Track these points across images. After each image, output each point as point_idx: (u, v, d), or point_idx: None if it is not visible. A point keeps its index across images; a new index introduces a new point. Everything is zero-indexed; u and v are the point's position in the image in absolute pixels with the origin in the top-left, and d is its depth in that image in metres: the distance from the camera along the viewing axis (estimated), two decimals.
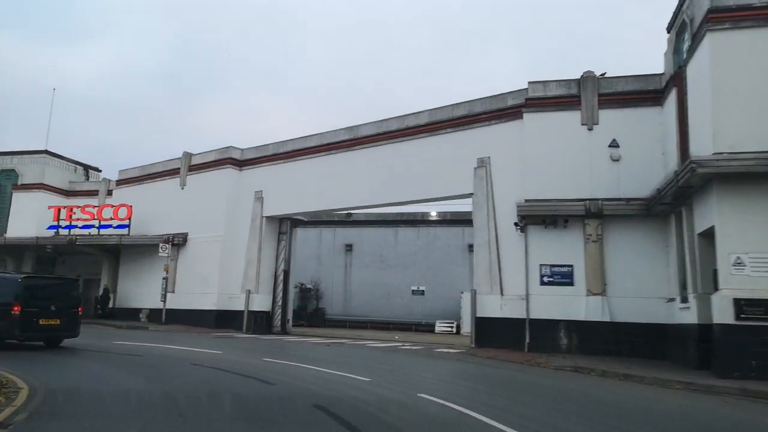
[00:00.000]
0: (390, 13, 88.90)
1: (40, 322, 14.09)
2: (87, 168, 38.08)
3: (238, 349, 16.79)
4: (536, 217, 18.18)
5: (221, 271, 26.69)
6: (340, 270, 43.08)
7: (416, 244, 41.87)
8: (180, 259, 28.38)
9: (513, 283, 18.89)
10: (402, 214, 42.32)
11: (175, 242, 27.96)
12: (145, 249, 29.33)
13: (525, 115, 19.31)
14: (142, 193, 31.15)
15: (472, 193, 20.50)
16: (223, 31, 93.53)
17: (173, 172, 29.93)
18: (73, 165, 37.09)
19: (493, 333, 18.88)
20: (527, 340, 17.86)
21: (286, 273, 27.03)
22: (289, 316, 27.15)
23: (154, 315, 28.25)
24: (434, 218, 41.62)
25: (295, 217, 27.62)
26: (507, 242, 19.30)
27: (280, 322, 26.43)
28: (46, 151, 35.11)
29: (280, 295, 26.68)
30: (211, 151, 28.65)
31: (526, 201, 18.36)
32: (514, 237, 19.01)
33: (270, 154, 27.12)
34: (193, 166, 29.16)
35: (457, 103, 21.67)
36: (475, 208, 20.30)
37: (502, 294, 19.03)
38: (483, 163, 20.32)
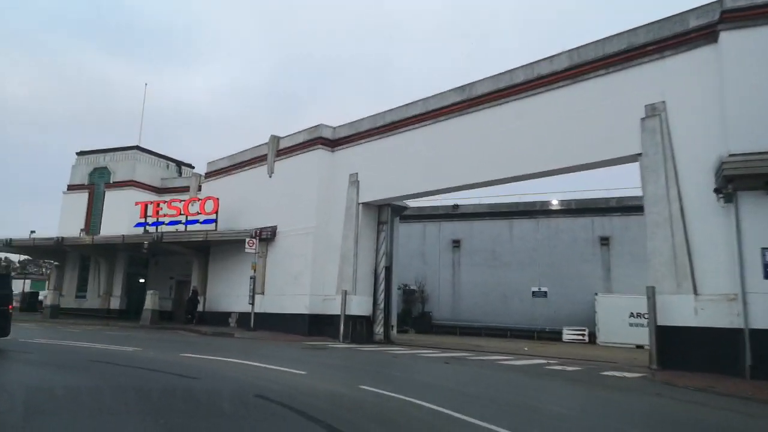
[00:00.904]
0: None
1: None
2: (179, 164, 36.41)
3: (329, 369, 12.53)
4: (752, 178, 12.23)
5: (314, 268, 22.88)
6: (447, 269, 38.22)
7: (535, 238, 36.01)
8: (269, 256, 25.00)
9: (713, 276, 13.06)
10: (517, 204, 36.73)
11: (263, 237, 24.61)
12: (233, 246, 26.33)
13: (722, 35, 13.43)
14: (230, 184, 28.34)
15: (639, 154, 14.84)
16: (320, 48, 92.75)
17: (261, 159, 26.74)
18: (165, 161, 35.50)
19: (685, 349, 13.12)
20: (748, 362, 11.93)
21: (388, 270, 22.64)
22: (393, 321, 22.73)
23: (244, 319, 25.08)
24: (556, 207, 35.58)
25: (395, 203, 23.20)
26: (699, 218, 13.48)
27: (382, 329, 22.06)
28: (137, 147, 33.68)
29: (382, 296, 22.34)
30: (299, 131, 25.04)
31: (732, 156, 12.47)
32: (712, 210, 13.17)
33: (365, 129, 22.93)
34: (281, 150, 25.74)
35: (608, 37, 16.09)
36: (645, 174, 14.60)
37: (695, 293, 13.22)
38: (654, 112, 14.60)
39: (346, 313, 21.44)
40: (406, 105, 21.57)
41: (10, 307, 14.04)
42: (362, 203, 22.48)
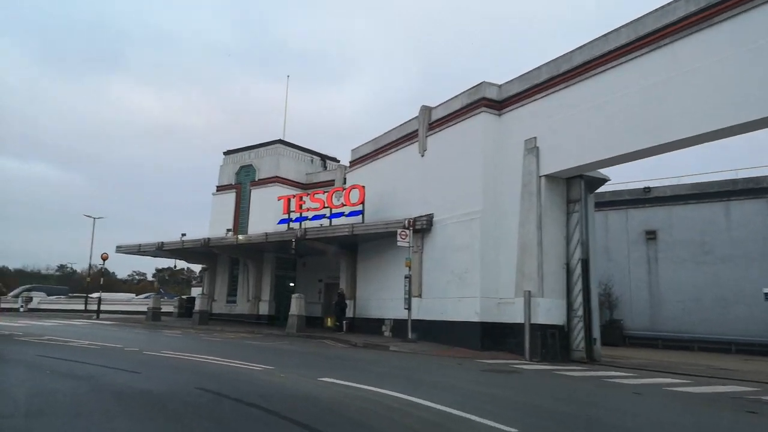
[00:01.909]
0: None
1: None
2: (324, 158, 33.82)
3: (553, 422, 7.43)
4: None
5: (484, 264, 17.88)
6: (639, 267, 30.70)
7: (765, 224, 27.32)
8: (426, 251, 20.54)
9: None
10: (735, 180, 28.33)
11: (418, 227, 20.24)
12: (383, 240, 22.42)
13: None
14: (377, 171, 24.54)
15: None
16: (461, 57, 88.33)
17: (410, 137, 22.49)
18: (309, 155, 33.08)
19: None
20: None
21: (585, 264, 16.81)
22: (596, 333, 16.77)
23: (399, 327, 20.95)
24: None
25: (589, 173, 17.34)
26: None
27: (583, 343, 16.27)
28: (280, 141, 31.61)
29: (579, 299, 16.57)
30: (456, 96, 20.28)
31: None
32: None
33: (544, 80, 17.44)
34: (434, 123, 21.21)
35: None
36: None
37: None
38: None
39: (532, 321, 16.08)
40: (605, 36, 15.69)
41: None
42: (545, 176, 16.99)
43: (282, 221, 25.78)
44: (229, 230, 29.81)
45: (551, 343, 15.98)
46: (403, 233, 19.82)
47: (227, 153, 33.56)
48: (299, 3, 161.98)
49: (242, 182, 32.11)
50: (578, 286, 16.67)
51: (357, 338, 20.36)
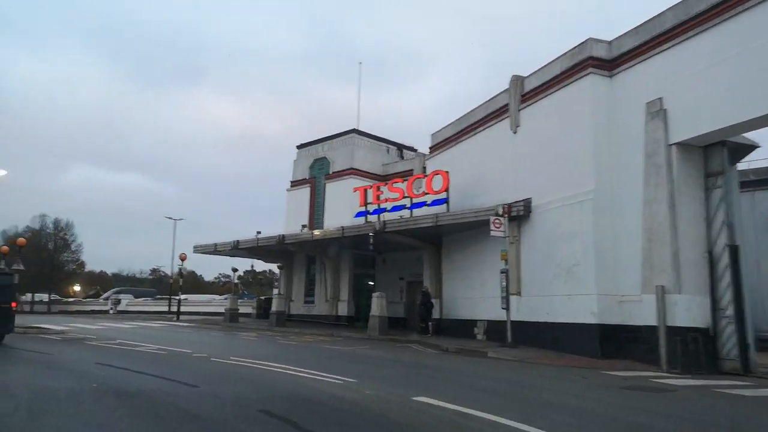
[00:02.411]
0: None
1: None
2: (400, 147, 31.69)
3: None
4: None
5: (598, 254, 14.91)
6: None
7: None
8: (524, 241, 17.80)
9: None
10: None
11: (513, 214, 17.53)
12: (471, 232, 19.90)
13: None
14: (461, 154, 22.01)
15: None
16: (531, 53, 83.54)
17: (499, 113, 19.78)
18: (385, 145, 31.07)
19: None
20: None
21: (734, 251, 13.43)
22: (749, 337, 13.36)
23: (494, 330, 18.37)
24: None
25: (733, 140, 13.93)
26: None
27: (735, 350, 12.94)
28: (354, 131, 29.79)
29: (727, 295, 13.24)
30: (554, 60, 17.35)
31: None
32: None
33: (669, 28, 14.22)
34: (527, 94, 18.40)
35: None
36: None
37: None
38: None
39: (668, 323, 12.98)
40: None
41: (14, 304, 14.49)
42: (676, 144, 13.78)
43: (359, 214, 23.85)
44: (304, 226, 28.36)
45: (693, 349, 12.80)
46: (496, 221, 17.19)
47: (300, 147, 32.23)
48: (367, 8, 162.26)
49: (316, 176, 30.61)
50: (725, 279, 13.33)
51: (447, 342, 17.96)
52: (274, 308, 25.62)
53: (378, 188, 23.56)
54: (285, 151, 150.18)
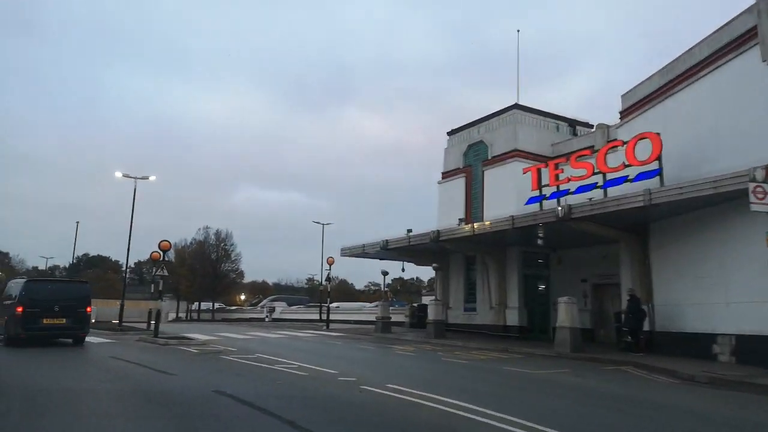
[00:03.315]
0: None
1: (44, 321, 15.04)
2: (573, 123, 26.41)
3: None
4: None
5: None
6: None
7: None
8: None
9: None
10: None
11: None
12: (700, 210, 14.39)
13: None
14: (673, 111, 16.47)
15: None
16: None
17: (740, 43, 14.04)
18: (554, 121, 26.02)
19: None
20: None
21: None
22: None
23: (750, 349, 12.72)
24: None
25: None
26: None
27: None
28: (516, 106, 25.19)
29: None
30: None
31: None
32: None
33: None
34: None
35: None
36: None
37: None
38: None
39: None
40: None
41: (89, 309, 16.12)
42: None
43: (531, 200, 19.26)
44: (461, 220, 24.36)
45: None
46: (758, 190, 11.63)
47: (452, 132, 28.37)
48: (506, 11, 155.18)
49: (472, 164, 26.45)
50: None
51: (674, 364, 12.71)
52: (431, 317, 21.89)
53: (556, 165, 18.75)
54: (430, 161, 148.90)
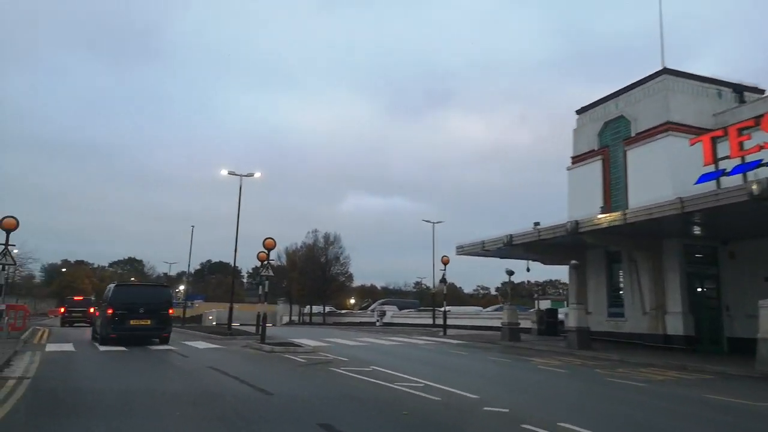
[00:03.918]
0: None
1: (131, 322, 16.18)
2: (740, 89, 21.63)
3: None
4: None
5: None
6: None
7: None
8: None
9: None
10: None
11: None
12: None
13: None
14: None
15: None
16: None
17: None
18: (714, 87, 21.42)
19: None
20: None
21: None
22: None
23: None
24: None
25: None
26: None
27: None
28: (665, 71, 20.97)
29: None
30: None
31: None
32: None
33: None
34: None
35: None
36: None
37: None
38: None
39: None
40: None
41: (171, 311, 17.76)
42: None
43: (705, 177, 15.24)
44: (602, 207, 20.60)
45: None
46: None
47: (582, 111, 24.53)
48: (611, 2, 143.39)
49: (610, 144, 22.52)
50: None
51: None
52: (572, 323, 18.39)
53: (740, 131, 14.64)
54: (535, 161, 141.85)
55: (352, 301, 78.11)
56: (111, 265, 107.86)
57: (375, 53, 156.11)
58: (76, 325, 32.74)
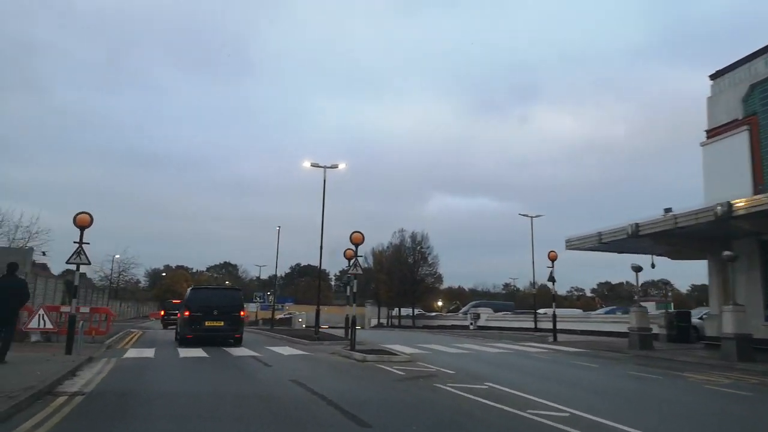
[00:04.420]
0: None
1: (206, 324, 17.01)
2: None
3: None
4: None
5: None
6: None
7: None
8: None
9: None
10: None
11: None
12: None
13: None
14: None
15: None
16: None
17: None
18: None
19: None
20: None
21: None
22: None
23: None
24: None
25: None
26: None
27: None
28: None
29: None
30: None
31: None
32: None
33: None
34: None
35: None
36: None
37: None
38: None
39: None
40: None
41: (243, 313, 18.59)
42: None
43: None
44: (760, 186, 16.78)
45: None
46: None
47: (718, 75, 20.55)
48: None
49: (758, 111, 18.51)
50: None
51: None
52: (728, 329, 14.76)
53: None
54: (629, 153, 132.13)
55: (440, 303, 75.45)
56: (208, 269, 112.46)
57: (457, 51, 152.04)
58: (170, 327, 32.83)
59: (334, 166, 21.55)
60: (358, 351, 14.54)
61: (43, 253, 34.80)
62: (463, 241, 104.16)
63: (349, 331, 21.18)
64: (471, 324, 40.81)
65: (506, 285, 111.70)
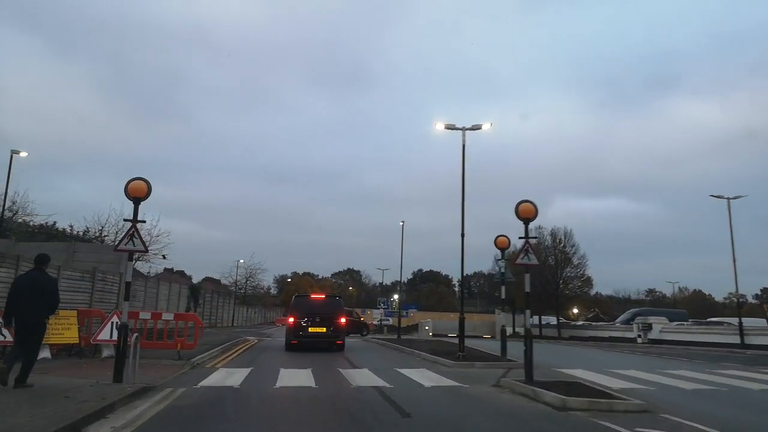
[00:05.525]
0: None
1: (309, 330, 17.43)
2: None
3: None
4: None
5: None
6: None
7: None
8: None
9: None
10: None
11: None
12: None
13: None
14: None
15: None
16: None
17: None
18: None
19: None
20: None
21: None
22: None
23: None
24: None
25: None
26: None
27: None
28: None
29: None
30: None
31: None
32: None
33: None
34: None
35: None
36: None
37: None
38: None
39: None
40: None
41: (342, 319, 18.35)
42: None
43: None
44: None
45: None
46: None
47: None
48: None
49: None
50: None
51: None
52: None
53: None
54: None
55: (575, 310, 66.87)
56: (333, 276, 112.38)
57: (582, 47, 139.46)
58: None
59: (476, 127, 16.32)
60: (541, 386, 9.03)
61: (163, 257, 33.50)
62: (595, 246, 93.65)
63: (504, 347, 15.87)
64: (639, 336, 33.10)
65: (650, 290, 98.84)
